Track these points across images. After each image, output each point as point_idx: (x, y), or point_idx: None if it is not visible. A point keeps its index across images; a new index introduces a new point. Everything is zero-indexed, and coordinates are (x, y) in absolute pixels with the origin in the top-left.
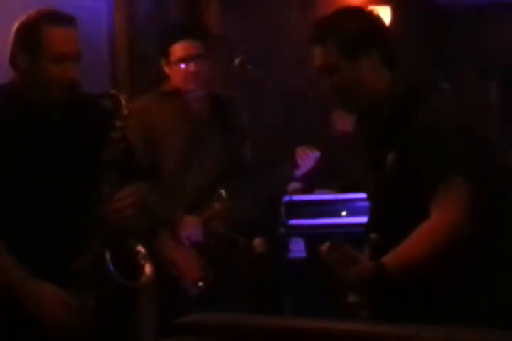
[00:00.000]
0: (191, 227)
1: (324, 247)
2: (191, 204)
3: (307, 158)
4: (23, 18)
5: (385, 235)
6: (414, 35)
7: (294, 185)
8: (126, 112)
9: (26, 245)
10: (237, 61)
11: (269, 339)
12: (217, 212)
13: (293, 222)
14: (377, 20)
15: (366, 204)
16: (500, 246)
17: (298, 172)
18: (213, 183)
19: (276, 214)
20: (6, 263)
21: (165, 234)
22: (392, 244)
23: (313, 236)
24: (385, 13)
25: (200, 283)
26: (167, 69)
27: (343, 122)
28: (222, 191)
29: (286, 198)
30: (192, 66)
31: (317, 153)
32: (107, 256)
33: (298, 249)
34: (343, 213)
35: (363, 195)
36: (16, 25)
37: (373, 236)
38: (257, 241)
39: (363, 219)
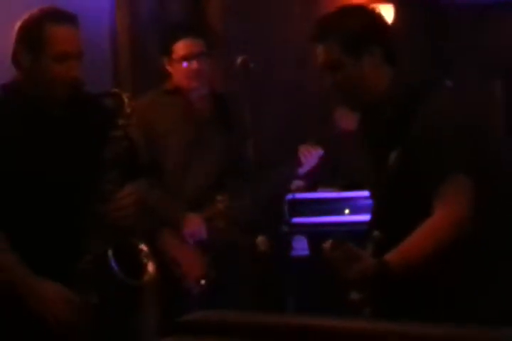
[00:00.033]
0: (194, 225)
1: (327, 245)
2: (192, 205)
3: (310, 156)
4: (25, 16)
5: (387, 233)
6: (417, 33)
7: (297, 183)
8: (128, 111)
9: (28, 244)
10: (239, 60)
11: (272, 337)
12: (218, 212)
13: (296, 220)
14: (378, 18)
15: (369, 202)
16: (503, 244)
17: (301, 171)
18: (214, 184)
19: (279, 212)
20: (8, 261)
21: (167, 233)
22: (395, 241)
23: (316, 235)
24: (387, 11)
25: (203, 281)
26: (169, 68)
27: (346, 120)
28: (221, 197)
29: (289, 196)
30: (194, 64)
31: (320, 151)
32: (110, 254)
33: (301, 247)
34: (346, 211)
35: (365, 193)
36: (18, 24)
37: (376, 233)
38: (260, 240)
39: (366, 217)
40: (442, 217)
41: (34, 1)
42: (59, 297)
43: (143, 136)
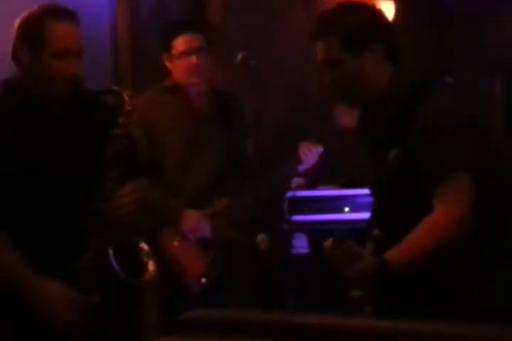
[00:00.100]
0: (193, 221)
1: (327, 243)
2: (192, 203)
3: (310, 154)
4: (25, 13)
5: (387, 231)
6: (418, 30)
7: (297, 180)
8: (129, 109)
9: (28, 243)
10: (239, 57)
11: (273, 336)
12: (218, 211)
13: (296, 218)
14: (379, 14)
15: (369, 200)
16: (503, 243)
17: (301, 168)
18: (214, 182)
19: (278, 210)
20: (11, 259)
21: (168, 231)
22: (395, 239)
23: (316, 232)
24: (388, 8)
25: (203, 280)
26: (169, 64)
27: (346, 117)
28: (220, 195)
29: (289, 194)
30: (194, 59)
31: (320, 149)
32: (110, 253)
33: (301, 245)
34: (346, 209)
35: (365, 191)
36: (18, 21)
37: (376, 232)
38: (260, 238)
39: (366, 215)
40: (442, 215)
41: None
42: (61, 296)
43: (143, 134)
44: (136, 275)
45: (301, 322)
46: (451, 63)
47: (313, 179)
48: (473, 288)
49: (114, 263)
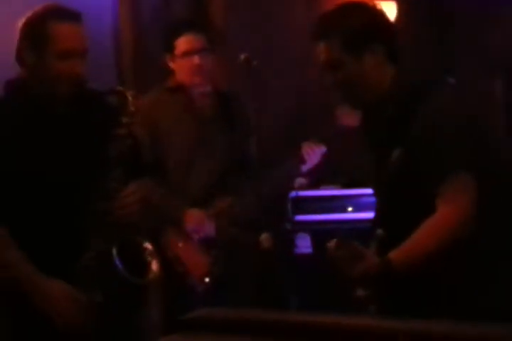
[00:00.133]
0: (196, 220)
1: (331, 244)
2: (195, 203)
3: (313, 154)
4: (29, 13)
5: (390, 231)
6: (418, 30)
7: (300, 180)
8: (132, 109)
9: (29, 242)
10: (242, 57)
11: (276, 335)
12: (221, 210)
13: (299, 217)
14: (380, 15)
15: (372, 199)
16: (503, 243)
17: (304, 168)
18: (217, 182)
19: (282, 209)
20: (14, 258)
21: (171, 230)
22: (398, 239)
23: (320, 232)
24: (390, 8)
25: (207, 279)
26: (171, 64)
27: (348, 117)
28: (223, 195)
29: (293, 194)
30: (196, 59)
31: (323, 149)
32: (114, 252)
33: (304, 244)
34: (349, 208)
35: (368, 191)
36: (22, 21)
37: (379, 232)
38: (263, 237)
39: (369, 215)
40: (445, 216)
41: None
42: (64, 295)
43: (147, 134)
44: (139, 275)
45: (305, 321)
46: (452, 63)
47: (316, 179)
48: (473, 287)
49: (118, 262)
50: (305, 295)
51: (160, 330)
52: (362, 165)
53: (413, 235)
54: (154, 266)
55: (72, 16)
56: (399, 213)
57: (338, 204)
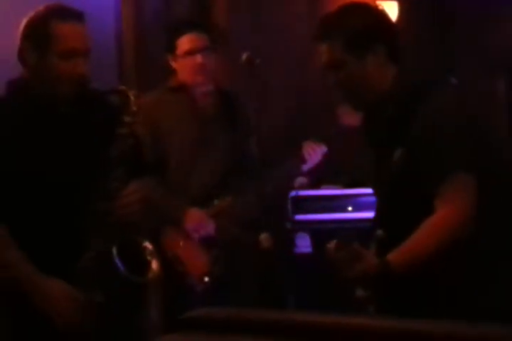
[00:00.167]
0: (196, 220)
1: (331, 245)
2: (196, 202)
3: (314, 153)
4: (31, 13)
5: (390, 231)
6: (419, 30)
7: (301, 180)
8: (134, 108)
9: (30, 242)
10: (244, 57)
11: (276, 334)
12: (221, 210)
13: (299, 217)
14: (382, 16)
15: (372, 199)
16: (503, 243)
17: (305, 167)
18: (218, 182)
19: (282, 209)
20: (14, 258)
21: (171, 230)
22: (398, 240)
23: (320, 232)
24: (392, 8)
25: (206, 278)
26: (173, 64)
27: (349, 116)
28: (224, 195)
29: (293, 193)
30: (199, 58)
31: (324, 148)
32: (114, 252)
33: (304, 244)
34: (350, 208)
35: (369, 190)
36: (24, 21)
37: (379, 232)
38: (263, 237)
39: (369, 214)
40: (444, 216)
41: None
42: (64, 295)
43: (148, 133)
44: (139, 274)
45: (305, 320)
46: (453, 63)
47: (317, 178)
48: (473, 287)
49: (118, 262)
50: (305, 294)
51: (160, 329)
52: (363, 165)
53: (412, 235)
54: (154, 265)
55: (75, 16)
56: (399, 213)
57: (338, 203)
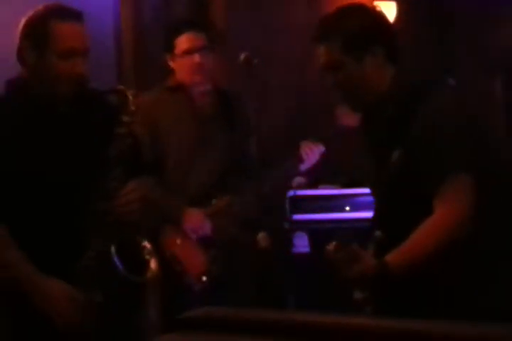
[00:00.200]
0: (195, 220)
1: (330, 247)
2: (195, 202)
3: (312, 153)
4: (30, 13)
5: (389, 232)
6: (418, 30)
7: (299, 179)
8: (133, 108)
9: (30, 242)
10: (242, 56)
11: (274, 334)
12: (220, 209)
13: (297, 216)
14: (380, 17)
15: (370, 198)
16: (503, 243)
17: (302, 167)
18: (217, 181)
19: (280, 209)
20: (14, 258)
21: (169, 229)
22: (396, 241)
23: (317, 231)
24: (390, 9)
25: (204, 278)
26: (172, 64)
27: (348, 117)
28: (222, 195)
29: (291, 193)
30: (197, 57)
31: (322, 148)
32: (113, 251)
33: (301, 244)
34: (347, 208)
35: (366, 190)
36: (23, 21)
37: (378, 233)
38: (261, 236)
39: (367, 214)
40: (443, 216)
41: None
42: (63, 294)
43: (147, 133)
44: (138, 274)
45: (304, 320)
46: (451, 63)
47: (315, 178)
48: (473, 288)
49: (117, 261)
50: (303, 294)
51: (158, 329)
52: (362, 166)
53: (411, 236)
54: (153, 264)
55: (74, 16)
56: (398, 214)
57: (335, 203)
